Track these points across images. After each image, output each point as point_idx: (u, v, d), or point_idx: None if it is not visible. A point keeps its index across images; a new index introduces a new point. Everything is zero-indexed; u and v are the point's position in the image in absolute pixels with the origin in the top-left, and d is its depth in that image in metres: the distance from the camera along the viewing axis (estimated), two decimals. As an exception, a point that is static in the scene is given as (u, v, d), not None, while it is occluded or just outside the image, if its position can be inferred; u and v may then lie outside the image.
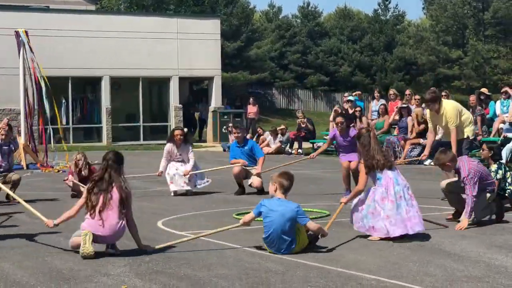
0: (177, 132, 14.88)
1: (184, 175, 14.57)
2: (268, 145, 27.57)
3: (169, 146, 14.85)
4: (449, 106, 12.96)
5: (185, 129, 15.25)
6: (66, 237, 8.78)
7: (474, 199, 10.03)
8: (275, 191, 8.76)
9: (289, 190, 8.81)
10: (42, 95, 22.10)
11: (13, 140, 15.46)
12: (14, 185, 13.82)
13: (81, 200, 8.66)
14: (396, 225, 9.11)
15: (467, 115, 13.16)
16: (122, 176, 8.69)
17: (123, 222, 8.53)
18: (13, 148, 14.90)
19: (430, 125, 13.33)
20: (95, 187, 8.55)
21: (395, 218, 9.13)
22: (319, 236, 8.68)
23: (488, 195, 10.39)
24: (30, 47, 22.16)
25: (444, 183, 10.81)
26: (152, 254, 8.41)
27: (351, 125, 14.50)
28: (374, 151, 9.42)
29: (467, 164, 10.26)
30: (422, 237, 9.35)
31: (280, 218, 8.46)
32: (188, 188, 14.61)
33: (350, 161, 13.77)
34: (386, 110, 24.33)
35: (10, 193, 11.24)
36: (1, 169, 14.00)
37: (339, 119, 14.18)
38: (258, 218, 8.73)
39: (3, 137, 14.26)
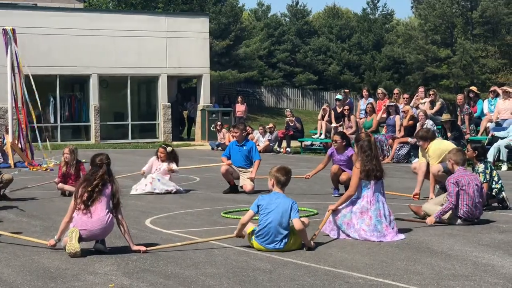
0: (160, 149, 14.95)
1: (169, 170, 14.63)
2: (257, 143, 27.60)
3: (153, 158, 14.97)
4: (435, 145, 12.89)
5: (169, 148, 14.99)
6: (54, 237, 8.74)
7: (451, 206, 10.06)
8: (273, 185, 8.82)
9: (286, 185, 8.84)
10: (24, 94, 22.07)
11: None
12: (6, 184, 13.78)
13: (73, 204, 8.59)
14: (373, 237, 9.12)
15: None
16: (114, 177, 8.73)
17: (111, 215, 8.53)
18: None
19: (421, 160, 13.27)
20: (92, 190, 8.51)
21: (371, 233, 9.15)
22: (304, 248, 8.65)
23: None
24: (15, 45, 22.10)
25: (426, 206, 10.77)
26: (139, 252, 8.39)
27: (347, 145, 14.04)
28: (373, 157, 9.39)
29: (462, 174, 10.27)
30: (409, 235, 9.39)
31: (278, 209, 8.53)
32: (148, 190, 14.51)
33: (341, 169, 13.72)
34: (373, 109, 24.35)
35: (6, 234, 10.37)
36: None
37: (335, 137, 14.10)
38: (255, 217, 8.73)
39: None
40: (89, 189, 8.47)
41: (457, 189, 10.13)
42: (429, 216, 10.30)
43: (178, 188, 14.68)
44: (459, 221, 10.20)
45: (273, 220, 8.50)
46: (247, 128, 29.95)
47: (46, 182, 15.27)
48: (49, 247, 8.63)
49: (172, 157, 14.85)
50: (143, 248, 8.49)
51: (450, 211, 10.16)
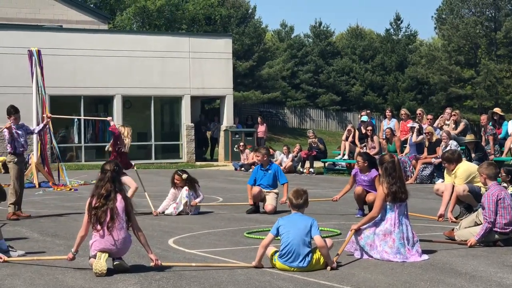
0: (176, 176, 14.71)
1: (192, 205, 14.55)
2: (280, 164, 27.60)
3: (171, 190, 14.76)
4: (464, 166, 12.91)
5: (184, 176, 14.62)
6: (78, 255, 8.79)
7: (490, 226, 9.97)
8: (289, 206, 8.92)
9: (301, 207, 8.82)
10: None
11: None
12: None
13: (86, 217, 8.65)
14: (396, 258, 9.09)
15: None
16: (122, 185, 8.77)
17: (129, 234, 8.64)
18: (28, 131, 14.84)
19: (447, 181, 13.24)
20: (102, 201, 8.56)
21: (394, 255, 9.12)
22: (326, 268, 8.63)
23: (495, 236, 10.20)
24: (40, 66, 22.31)
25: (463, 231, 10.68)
26: (162, 272, 8.41)
27: (372, 166, 13.91)
28: (398, 179, 9.36)
29: (498, 189, 10.19)
30: (433, 256, 9.34)
31: (298, 227, 8.57)
32: (171, 211, 14.44)
33: (365, 190, 13.68)
34: (393, 133, 24.24)
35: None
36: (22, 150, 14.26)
37: (357, 157, 14.27)
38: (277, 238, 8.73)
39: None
40: (108, 210, 8.50)
41: (496, 206, 10.02)
42: (464, 241, 10.23)
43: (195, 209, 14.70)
44: (496, 236, 10.13)
45: (294, 238, 8.51)
46: (270, 150, 30.01)
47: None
48: (69, 260, 8.70)
49: (188, 182, 14.76)
50: (158, 262, 8.53)
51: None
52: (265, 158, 14.88)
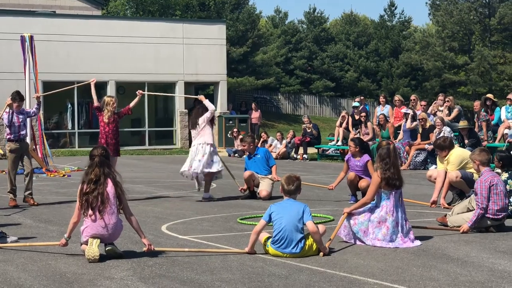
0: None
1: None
2: (272, 150, 27.59)
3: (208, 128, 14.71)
4: (456, 152, 12.96)
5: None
6: (71, 241, 8.79)
7: (482, 212, 9.99)
8: (281, 192, 8.94)
9: (293, 193, 8.82)
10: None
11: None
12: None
13: (78, 204, 8.66)
14: (388, 245, 9.10)
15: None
16: (112, 169, 8.79)
17: (121, 220, 8.66)
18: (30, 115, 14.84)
19: (439, 167, 13.26)
20: (92, 187, 8.57)
21: (386, 242, 9.13)
22: (319, 254, 8.64)
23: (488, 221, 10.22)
24: (32, 52, 22.21)
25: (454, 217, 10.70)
26: (155, 258, 8.42)
27: (364, 152, 13.95)
28: (392, 165, 9.35)
29: (491, 175, 10.21)
30: (426, 242, 9.36)
31: (291, 213, 8.58)
32: (196, 171, 14.36)
33: (358, 175, 13.71)
34: (386, 120, 24.23)
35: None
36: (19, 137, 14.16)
37: (349, 143, 14.37)
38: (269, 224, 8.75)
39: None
40: (89, 187, 8.52)
41: (488, 192, 10.04)
42: (457, 227, 10.25)
43: (219, 169, 14.54)
44: (488, 222, 10.15)
45: (287, 224, 8.52)
46: (262, 134, 29.98)
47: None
48: (61, 246, 8.73)
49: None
50: (151, 246, 8.56)
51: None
52: (251, 146, 14.99)
